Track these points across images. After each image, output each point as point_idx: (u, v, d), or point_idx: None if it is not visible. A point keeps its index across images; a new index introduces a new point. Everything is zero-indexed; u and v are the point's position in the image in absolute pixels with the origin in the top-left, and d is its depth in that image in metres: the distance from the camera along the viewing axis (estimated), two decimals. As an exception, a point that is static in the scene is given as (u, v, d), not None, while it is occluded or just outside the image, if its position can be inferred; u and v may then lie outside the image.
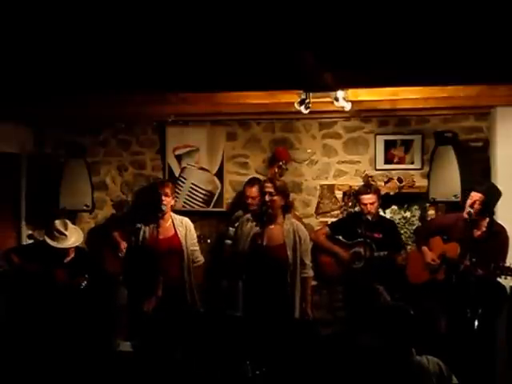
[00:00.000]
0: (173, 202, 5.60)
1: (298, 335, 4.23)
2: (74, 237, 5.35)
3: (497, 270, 4.85)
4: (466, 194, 5.27)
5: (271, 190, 4.90)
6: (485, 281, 4.91)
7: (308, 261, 5.03)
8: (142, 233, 5.46)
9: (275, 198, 4.90)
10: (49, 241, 5.25)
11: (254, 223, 4.96)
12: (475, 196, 5.04)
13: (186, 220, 5.57)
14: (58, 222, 5.33)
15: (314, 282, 5.74)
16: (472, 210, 5.01)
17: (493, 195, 5.09)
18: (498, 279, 5.03)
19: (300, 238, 4.95)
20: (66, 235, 5.27)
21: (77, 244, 5.40)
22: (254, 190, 5.86)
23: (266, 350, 4.19)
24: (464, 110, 5.96)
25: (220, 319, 4.52)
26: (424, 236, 5.45)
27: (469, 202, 5.08)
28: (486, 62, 3.97)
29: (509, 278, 4.85)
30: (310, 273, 5.06)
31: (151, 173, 6.70)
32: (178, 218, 5.56)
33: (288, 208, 5.05)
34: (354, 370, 3.55)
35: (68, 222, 5.40)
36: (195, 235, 5.58)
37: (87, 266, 5.33)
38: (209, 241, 5.78)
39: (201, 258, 5.61)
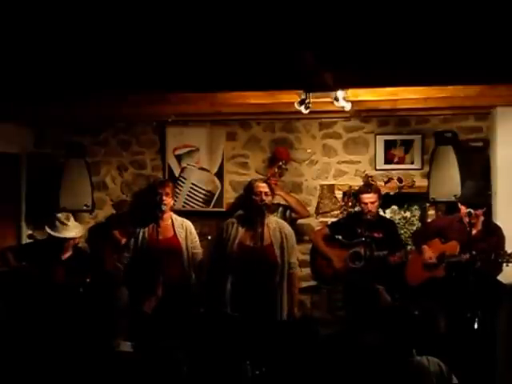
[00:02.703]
0: (172, 202, 5.60)
1: (297, 335, 4.22)
2: (75, 229, 5.39)
3: (499, 258, 4.88)
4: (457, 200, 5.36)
5: (267, 189, 4.99)
6: (484, 277, 4.93)
7: (293, 259, 5.07)
8: (141, 233, 5.45)
9: (270, 198, 5.01)
10: (50, 231, 5.29)
11: (240, 225, 4.98)
12: (463, 209, 5.10)
13: (187, 222, 5.54)
14: (60, 215, 5.40)
15: (313, 282, 5.75)
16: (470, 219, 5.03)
17: (474, 196, 5.14)
18: (498, 278, 5.06)
19: (286, 236, 5.00)
20: (68, 225, 5.31)
21: (78, 236, 5.44)
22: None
23: (265, 350, 4.19)
24: (464, 110, 5.96)
25: (220, 319, 4.51)
26: (422, 240, 5.46)
27: (463, 212, 5.12)
28: (486, 62, 3.96)
29: (511, 264, 4.91)
30: (296, 271, 5.09)
31: (151, 173, 6.70)
32: (178, 219, 5.53)
33: (271, 209, 5.17)
34: (354, 370, 3.55)
35: (71, 215, 5.44)
36: (197, 238, 5.55)
37: (86, 265, 5.34)
38: (209, 237, 5.78)
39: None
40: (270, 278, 4.88)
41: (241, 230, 4.96)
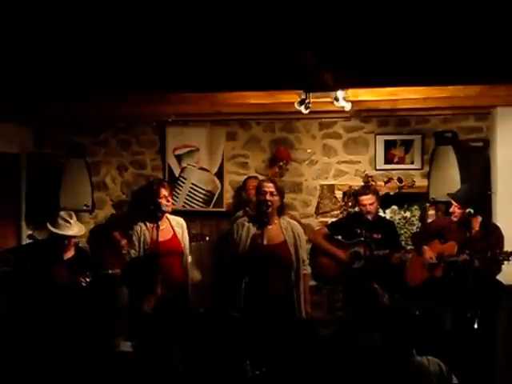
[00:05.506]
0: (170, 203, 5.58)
1: (297, 335, 4.22)
2: (77, 227, 5.36)
3: (495, 256, 4.90)
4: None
5: (273, 189, 4.86)
6: (483, 277, 4.94)
7: (306, 257, 5.09)
8: (142, 232, 5.41)
9: (276, 198, 4.88)
10: (52, 229, 5.24)
11: (251, 224, 4.95)
12: (453, 203, 5.18)
13: (181, 220, 5.51)
14: (63, 212, 5.34)
15: (313, 282, 5.74)
16: (454, 217, 5.17)
17: (469, 198, 5.16)
18: (497, 277, 5.07)
19: (298, 235, 4.96)
20: (70, 223, 5.28)
21: (79, 234, 5.42)
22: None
23: (265, 350, 4.18)
24: (464, 110, 5.97)
25: (220, 319, 4.51)
26: (422, 240, 5.46)
27: (451, 209, 5.22)
28: (486, 61, 3.97)
29: (506, 262, 4.93)
30: (308, 269, 5.11)
31: (151, 173, 6.71)
32: (173, 218, 5.50)
33: (282, 209, 5.04)
34: (354, 370, 3.55)
35: (73, 214, 5.42)
36: (187, 236, 5.52)
37: (88, 265, 5.33)
38: (207, 238, 5.76)
39: (189, 258, 5.54)
40: (284, 275, 4.88)
41: (252, 230, 4.93)
